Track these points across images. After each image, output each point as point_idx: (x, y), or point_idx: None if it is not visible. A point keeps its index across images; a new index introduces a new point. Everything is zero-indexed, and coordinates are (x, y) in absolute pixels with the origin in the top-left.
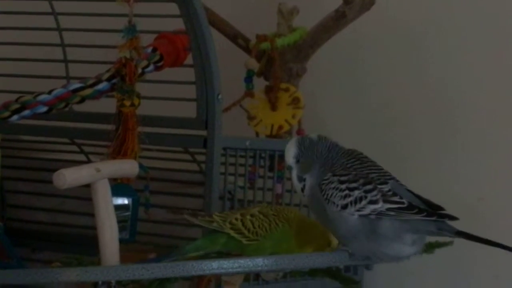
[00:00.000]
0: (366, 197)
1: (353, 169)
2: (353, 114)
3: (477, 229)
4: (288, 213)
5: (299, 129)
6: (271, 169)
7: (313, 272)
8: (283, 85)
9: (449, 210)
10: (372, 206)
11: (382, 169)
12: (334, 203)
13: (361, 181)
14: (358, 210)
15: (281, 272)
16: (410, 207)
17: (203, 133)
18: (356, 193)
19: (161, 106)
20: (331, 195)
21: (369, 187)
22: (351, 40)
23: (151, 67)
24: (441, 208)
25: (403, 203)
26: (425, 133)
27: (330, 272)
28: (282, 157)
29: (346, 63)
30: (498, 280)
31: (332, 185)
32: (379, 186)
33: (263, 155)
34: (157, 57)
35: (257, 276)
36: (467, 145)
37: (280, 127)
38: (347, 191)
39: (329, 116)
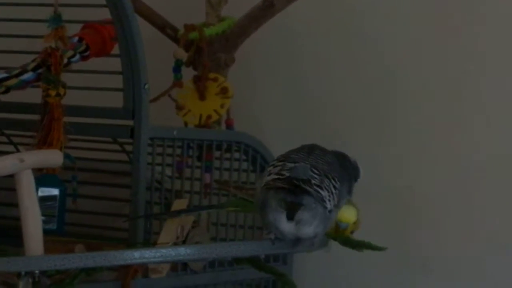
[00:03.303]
0: (270, 172)
1: (288, 153)
2: (283, 104)
3: (406, 213)
4: None
5: (227, 119)
6: (199, 158)
7: (239, 261)
8: (212, 75)
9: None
10: (268, 178)
11: (317, 156)
12: None
13: (280, 159)
14: (264, 184)
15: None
16: (285, 179)
17: (130, 123)
18: (270, 168)
19: (87, 96)
20: None
21: (279, 163)
22: (281, 29)
23: (77, 57)
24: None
25: (283, 175)
26: (360, 123)
27: (254, 262)
28: (210, 146)
29: (276, 53)
30: (428, 262)
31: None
32: (287, 164)
33: (191, 144)
34: (83, 47)
35: (185, 265)
36: (399, 136)
37: (209, 117)
38: (270, 168)
39: (259, 106)
